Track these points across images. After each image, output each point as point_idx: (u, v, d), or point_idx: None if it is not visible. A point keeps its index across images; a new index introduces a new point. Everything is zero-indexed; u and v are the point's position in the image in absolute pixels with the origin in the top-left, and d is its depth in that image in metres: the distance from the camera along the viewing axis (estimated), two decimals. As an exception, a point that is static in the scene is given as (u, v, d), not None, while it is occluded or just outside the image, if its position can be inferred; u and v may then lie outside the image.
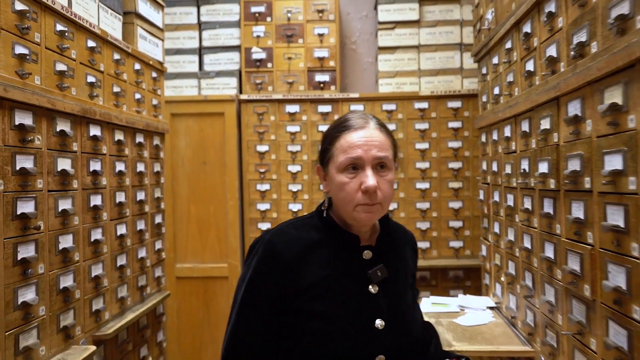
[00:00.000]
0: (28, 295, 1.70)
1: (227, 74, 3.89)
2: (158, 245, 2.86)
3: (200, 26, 3.94)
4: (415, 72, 3.88)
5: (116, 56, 2.37)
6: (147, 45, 2.78)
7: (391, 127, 3.70)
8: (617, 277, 1.27)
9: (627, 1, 1.22)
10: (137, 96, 2.60)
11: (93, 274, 2.13)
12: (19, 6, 1.67)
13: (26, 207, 1.69)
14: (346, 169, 1.26)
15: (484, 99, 2.73)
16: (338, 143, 1.28)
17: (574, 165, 1.50)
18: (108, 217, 2.27)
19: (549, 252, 1.73)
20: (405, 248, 1.42)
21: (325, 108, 3.77)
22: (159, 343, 2.91)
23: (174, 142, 3.74)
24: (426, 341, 1.38)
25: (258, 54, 3.82)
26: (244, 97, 3.78)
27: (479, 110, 2.94)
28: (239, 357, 1.27)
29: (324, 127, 3.73)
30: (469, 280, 3.71)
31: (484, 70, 2.72)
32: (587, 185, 1.42)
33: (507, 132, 2.23)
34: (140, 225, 2.62)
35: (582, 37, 1.47)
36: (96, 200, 2.16)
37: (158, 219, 2.86)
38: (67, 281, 1.93)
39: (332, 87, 3.83)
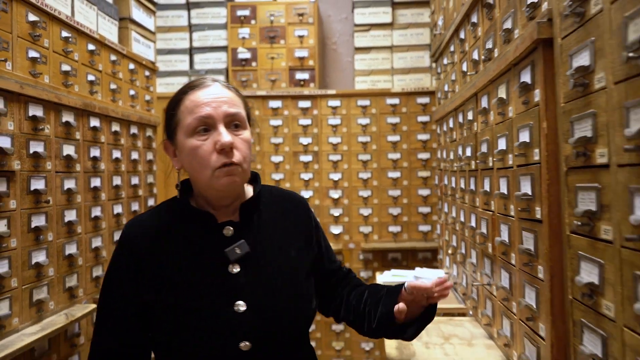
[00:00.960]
0: (40, 257, 2.04)
1: (215, 72, 4.23)
2: (151, 225, 3.20)
3: (191, 28, 4.29)
4: (389, 70, 4.23)
5: (113, 57, 2.72)
6: (141, 47, 3.12)
7: (365, 121, 4.06)
8: (528, 240, 1.61)
9: (510, 19, 1.57)
10: (132, 92, 2.95)
11: (93, 246, 2.48)
12: (32, 17, 2.02)
13: (38, 184, 2.04)
14: (196, 131, 1.14)
15: (439, 94, 3.08)
16: (183, 105, 1.17)
17: (484, 148, 1.85)
18: (106, 197, 2.62)
19: (472, 222, 2.08)
20: (292, 215, 1.28)
21: (305, 104, 4.11)
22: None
23: (162, 133, 4.07)
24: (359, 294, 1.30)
25: (243, 54, 4.17)
26: (230, 93, 4.12)
27: (436, 104, 3.29)
28: (106, 356, 1.17)
29: (304, 121, 4.08)
30: (436, 260, 4.07)
31: (438, 70, 3.07)
32: (490, 164, 1.78)
33: (451, 123, 2.58)
34: (135, 206, 2.96)
35: (489, 44, 1.82)
36: (96, 182, 2.51)
37: (151, 202, 3.21)
38: (71, 249, 2.28)
39: (312, 85, 4.17)
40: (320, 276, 1.34)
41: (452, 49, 2.57)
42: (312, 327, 4.05)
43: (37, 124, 2.04)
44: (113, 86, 2.71)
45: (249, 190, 1.29)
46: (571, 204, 1.13)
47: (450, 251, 2.72)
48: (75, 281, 2.31)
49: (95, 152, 2.49)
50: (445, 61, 2.80)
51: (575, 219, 1.09)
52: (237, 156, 1.13)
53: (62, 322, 2.04)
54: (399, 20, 4.24)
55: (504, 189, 1.60)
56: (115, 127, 2.72)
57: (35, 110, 2.03)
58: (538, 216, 1.30)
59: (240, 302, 1.12)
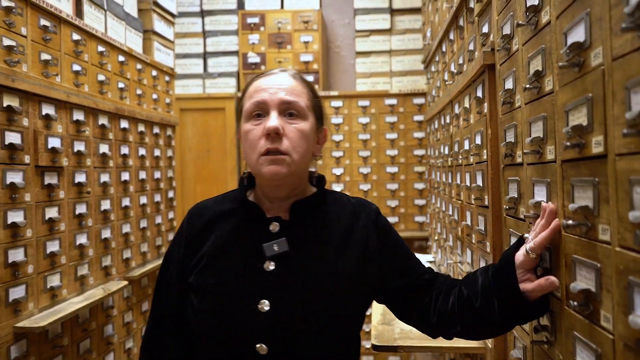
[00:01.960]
0: (82, 239, 2.42)
1: (227, 75, 4.60)
2: (170, 215, 3.58)
3: (205, 34, 4.65)
4: (387, 73, 4.57)
5: (139, 66, 3.08)
6: (162, 55, 3.49)
7: (365, 120, 4.41)
8: (481, 222, 1.95)
9: (472, 42, 1.91)
10: (154, 96, 3.32)
11: (123, 231, 2.85)
12: (75, 37, 2.38)
13: (80, 177, 2.41)
14: (252, 116, 1.13)
15: (429, 98, 3.42)
16: (247, 92, 1.17)
17: (456, 147, 2.20)
18: (134, 189, 3.00)
19: (450, 210, 2.43)
20: (352, 221, 1.19)
21: (309, 104, 4.46)
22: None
23: (183, 132, 4.45)
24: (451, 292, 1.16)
25: (253, 58, 4.52)
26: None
27: (427, 106, 3.63)
28: (155, 337, 1.20)
29: (308, 120, 4.43)
30: (428, 247, 4.41)
31: (428, 75, 3.41)
32: (459, 161, 2.12)
33: (436, 124, 2.93)
34: (157, 197, 3.34)
35: (461, 60, 2.16)
36: (125, 176, 2.88)
37: (170, 194, 3.58)
38: (106, 233, 2.66)
39: (316, 86, 4.51)
40: (398, 291, 1.21)
41: (437, 58, 2.91)
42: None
43: (79, 127, 2.41)
44: (139, 92, 3.07)
45: (310, 191, 1.22)
46: (505, 192, 1.48)
47: (436, 237, 3.07)
48: (109, 261, 2.68)
49: (124, 150, 2.87)
50: (432, 68, 3.14)
51: (507, 204, 1.44)
52: (284, 144, 1.09)
53: (100, 295, 2.42)
54: (397, 26, 4.57)
55: (467, 182, 1.95)
56: (141, 127, 3.09)
57: (78, 115, 2.40)
58: (486, 203, 1.65)
59: (265, 301, 1.07)
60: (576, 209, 0.91)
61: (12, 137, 1.92)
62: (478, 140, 1.73)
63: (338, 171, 4.42)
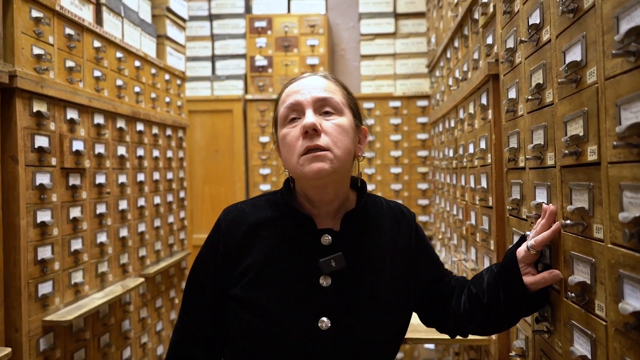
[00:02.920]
0: (102, 238, 2.53)
1: (235, 77, 4.70)
2: (182, 214, 3.69)
3: (213, 38, 4.75)
4: (392, 75, 4.68)
5: (153, 71, 3.19)
6: (174, 60, 3.59)
7: (370, 121, 4.51)
8: (485, 222, 2.06)
9: (477, 51, 2.01)
10: (167, 100, 3.42)
11: (139, 230, 2.96)
12: (96, 44, 2.49)
13: (101, 179, 2.52)
14: (288, 120, 1.11)
15: (433, 101, 3.53)
16: (281, 99, 1.15)
17: (460, 150, 2.30)
18: (148, 190, 3.10)
19: (454, 210, 2.53)
20: (394, 232, 1.20)
21: (315, 106, 4.56)
22: (182, 289, 3.75)
23: (191, 134, 4.56)
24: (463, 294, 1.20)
25: (261, 61, 4.63)
26: (249, 97, 4.59)
27: (432, 109, 3.74)
28: (183, 343, 1.18)
29: (314, 122, 4.54)
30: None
31: (432, 79, 3.52)
32: (464, 164, 2.23)
33: (440, 127, 3.03)
34: (169, 197, 3.45)
35: (465, 67, 2.27)
36: (141, 177, 2.99)
37: (181, 194, 3.69)
38: (123, 232, 2.76)
39: (322, 89, 4.62)
40: (428, 298, 1.25)
41: (441, 64, 3.01)
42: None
43: (99, 130, 2.52)
44: (153, 95, 3.18)
45: (353, 198, 1.20)
46: (509, 194, 1.59)
47: (440, 237, 3.18)
48: (127, 259, 2.79)
49: (140, 151, 2.97)
50: (437, 73, 3.25)
51: (510, 205, 1.55)
52: (324, 140, 1.06)
53: (119, 291, 2.53)
54: (401, 30, 4.68)
55: (472, 184, 2.06)
56: (155, 130, 3.20)
57: (99, 119, 2.51)
58: (490, 204, 1.76)
59: (325, 319, 1.06)
60: (573, 210, 1.02)
61: (41, 141, 2.03)
62: (483, 145, 1.84)
63: (343, 172, 4.52)
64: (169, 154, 3.43)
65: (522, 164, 1.42)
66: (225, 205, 1.52)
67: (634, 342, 0.82)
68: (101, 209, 2.52)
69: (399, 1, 4.63)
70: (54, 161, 2.13)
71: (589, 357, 0.98)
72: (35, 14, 2.01)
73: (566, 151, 1.05)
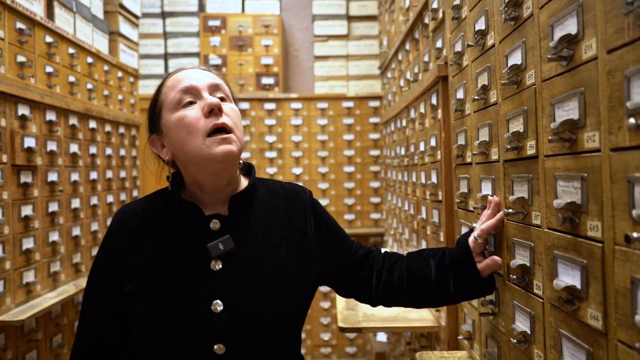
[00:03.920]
0: (54, 237, 2.48)
1: (188, 76, 4.67)
2: (135, 213, 3.65)
3: (166, 35, 4.71)
4: (345, 76, 4.78)
5: (106, 68, 3.15)
6: (127, 57, 3.55)
7: (323, 121, 4.60)
8: (435, 215, 2.17)
9: (427, 54, 2.12)
10: (120, 97, 3.38)
11: (92, 229, 2.92)
12: (48, 39, 2.45)
13: (53, 176, 2.47)
14: (182, 104, 1.09)
15: (385, 102, 3.65)
16: (165, 87, 1.14)
17: (412, 148, 2.41)
18: (101, 188, 3.06)
19: (406, 206, 2.65)
20: (288, 210, 1.20)
21: (270, 106, 4.61)
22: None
23: (145, 132, 4.48)
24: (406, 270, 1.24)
25: (214, 60, 4.62)
26: (202, 95, 4.57)
27: (384, 109, 3.86)
28: (85, 355, 1.15)
29: (269, 121, 4.58)
30: (383, 242, 4.65)
31: (384, 80, 3.64)
32: (415, 161, 2.34)
33: (392, 127, 3.15)
34: (122, 196, 3.40)
35: (416, 69, 2.38)
36: (93, 175, 2.94)
37: (135, 193, 3.65)
38: (76, 231, 2.72)
39: (276, 89, 4.67)
40: (338, 270, 1.25)
41: (393, 66, 3.13)
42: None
43: (52, 127, 2.48)
44: (106, 92, 3.14)
45: (243, 183, 1.21)
46: (457, 188, 1.69)
47: (392, 232, 3.29)
48: (79, 258, 2.75)
49: (93, 149, 2.93)
50: (389, 75, 3.36)
51: (458, 198, 1.65)
52: (227, 120, 1.07)
53: (72, 291, 2.49)
54: (354, 32, 4.79)
55: (422, 180, 2.17)
56: (108, 127, 3.16)
57: (51, 116, 2.46)
58: (440, 198, 1.86)
59: (218, 302, 1.06)
60: (515, 200, 1.12)
61: (-8, 137, 1.99)
62: (433, 143, 1.94)
63: (297, 170, 4.59)
64: (122, 152, 3.39)
65: (469, 160, 1.53)
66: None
67: (566, 314, 0.93)
68: (53, 207, 2.47)
69: (352, 4, 4.74)
70: (4, 158, 2.08)
71: (528, 332, 1.08)
72: (-14, 7, 1.97)
73: (508, 146, 1.16)
